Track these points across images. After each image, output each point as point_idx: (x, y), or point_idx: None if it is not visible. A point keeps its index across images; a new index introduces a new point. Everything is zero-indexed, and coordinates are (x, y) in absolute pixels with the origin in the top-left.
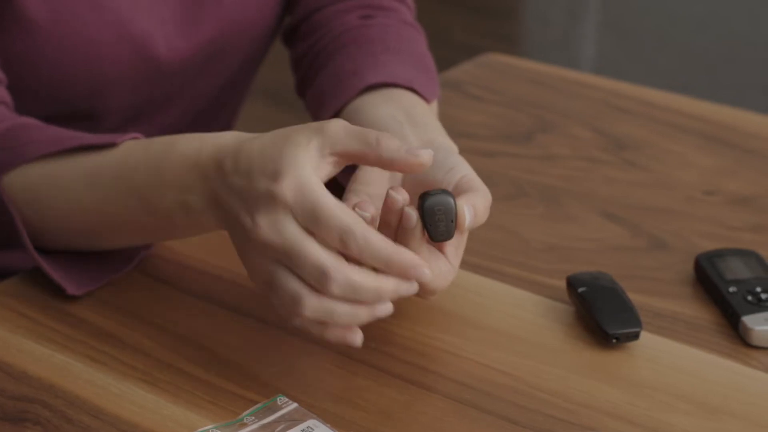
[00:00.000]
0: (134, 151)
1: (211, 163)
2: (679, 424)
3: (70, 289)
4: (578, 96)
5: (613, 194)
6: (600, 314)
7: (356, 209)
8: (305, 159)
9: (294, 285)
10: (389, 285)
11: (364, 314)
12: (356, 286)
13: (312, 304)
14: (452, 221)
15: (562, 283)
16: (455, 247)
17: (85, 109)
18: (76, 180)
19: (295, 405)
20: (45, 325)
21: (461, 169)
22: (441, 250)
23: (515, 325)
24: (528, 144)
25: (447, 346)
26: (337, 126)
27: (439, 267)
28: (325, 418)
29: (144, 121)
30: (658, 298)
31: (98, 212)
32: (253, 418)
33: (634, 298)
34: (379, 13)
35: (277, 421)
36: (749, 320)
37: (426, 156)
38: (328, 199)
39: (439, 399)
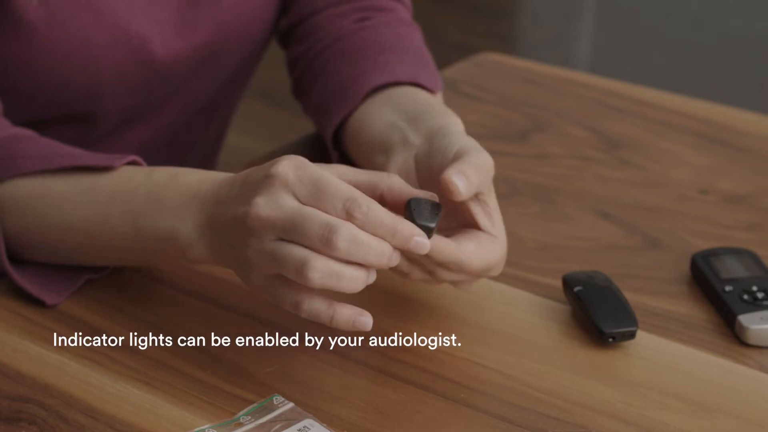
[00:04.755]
0: (136, 174)
1: (209, 193)
2: (674, 423)
3: (48, 299)
4: (572, 95)
5: (607, 193)
6: (596, 313)
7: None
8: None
9: (298, 251)
10: (388, 248)
11: (370, 277)
12: (361, 241)
13: (319, 265)
14: (437, 206)
15: (557, 282)
16: (488, 218)
17: (81, 111)
18: (67, 198)
19: (291, 404)
20: (40, 324)
21: (454, 144)
22: (475, 226)
23: (510, 324)
24: (522, 143)
25: (442, 346)
26: (340, 168)
27: (477, 244)
28: (320, 417)
29: (140, 122)
30: (653, 297)
31: (86, 232)
32: (249, 417)
33: (629, 297)
34: (375, 15)
35: (273, 421)
36: (745, 319)
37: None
38: (327, 173)
39: (435, 398)
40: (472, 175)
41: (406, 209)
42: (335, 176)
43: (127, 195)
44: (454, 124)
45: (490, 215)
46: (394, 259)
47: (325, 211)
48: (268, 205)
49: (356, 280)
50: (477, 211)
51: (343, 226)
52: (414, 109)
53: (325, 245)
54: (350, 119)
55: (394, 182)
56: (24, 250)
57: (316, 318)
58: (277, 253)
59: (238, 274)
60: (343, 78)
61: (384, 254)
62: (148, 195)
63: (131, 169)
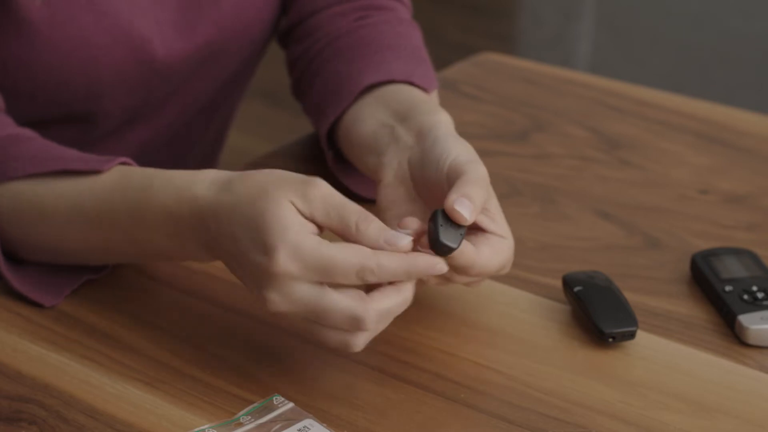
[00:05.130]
0: (113, 194)
1: (192, 220)
2: (674, 423)
3: (47, 301)
4: (572, 95)
5: (607, 193)
6: (596, 313)
7: (398, 229)
8: (291, 222)
9: (334, 336)
10: (410, 289)
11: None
12: (387, 310)
13: (359, 343)
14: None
15: (557, 282)
16: (493, 222)
17: (81, 111)
18: (57, 209)
19: (291, 404)
20: (40, 324)
21: (446, 156)
22: (481, 229)
23: (510, 324)
24: (522, 143)
25: (442, 346)
26: (319, 193)
27: (490, 247)
28: (320, 417)
29: (140, 122)
30: (653, 297)
31: (80, 241)
32: (249, 417)
33: (629, 297)
34: (375, 14)
35: (273, 421)
36: (745, 319)
37: (404, 243)
38: (329, 249)
39: (435, 398)
40: (475, 196)
41: (432, 221)
42: (321, 213)
43: (112, 213)
44: (442, 123)
45: (493, 219)
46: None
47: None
48: (283, 301)
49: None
50: (481, 219)
51: (366, 311)
52: (404, 107)
53: (356, 328)
54: (343, 118)
55: (362, 228)
56: (22, 251)
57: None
58: (313, 335)
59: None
60: (340, 77)
61: (409, 299)
62: (129, 214)
63: (110, 185)
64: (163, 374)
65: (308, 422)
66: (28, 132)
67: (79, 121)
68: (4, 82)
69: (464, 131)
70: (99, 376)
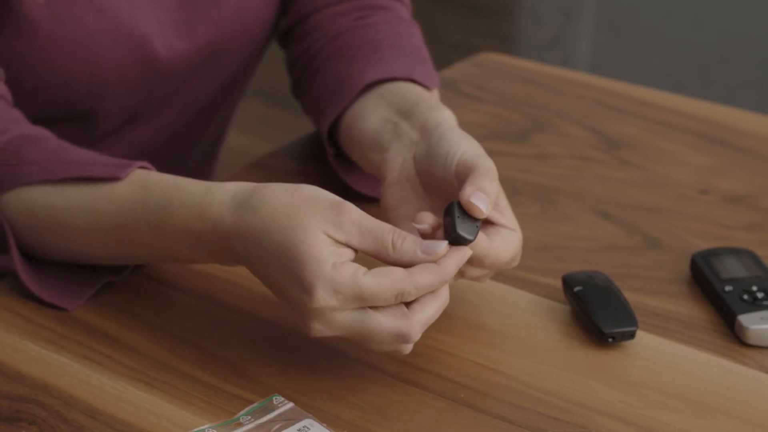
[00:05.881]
0: (134, 208)
1: (216, 239)
2: (674, 423)
3: (67, 304)
4: (572, 95)
5: (607, 193)
6: (596, 313)
7: (414, 224)
8: (327, 255)
9: (383, 347)
10: (446, 292)
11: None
12: (430, 318)
13: (407, 349)
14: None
15: (557, 282)
16: (502, 215)
17: (82, 110)
18: (75, 220)
19: (290, 404)
20: (40, 324)
21: (455, 151)
22: (492, 223)
23: (510, 324)
24: (522, 143)
25: (442, 346)
26: (350, 218)
27: (501, 239)
28: (320, 417)
29: (141, 122)
30: (653, 297)
31: (103, 250)
32: (249, 417)
33: (629, 297)
34: (375, 13)
35: (272, 421)
36: (745, 319)
37: (442, 250)
38: (366, 280)
39: (435, 398)
40: (490, 190)
41: (447, 214)
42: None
43: (132, 225)
44: (447, 120)
45: (503, 213)
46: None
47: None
48: (327, 329)
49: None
50: (492, 213)
51: (409, 327)
52: (407, 104)
53: (402, 343)
54: (344, 116)
55: (399, 243)
56: (39, 254)
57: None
58: (362, 345)
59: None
60: (340, 76)
61: (447, 300)
62: (151, 229)
63: (130, 198)
64: (163, 374)
65: (308, 422)
66: (40, 131)
67: (80, 121)
68: (6, 80)
69: (464, 131)
70: (99, 376)
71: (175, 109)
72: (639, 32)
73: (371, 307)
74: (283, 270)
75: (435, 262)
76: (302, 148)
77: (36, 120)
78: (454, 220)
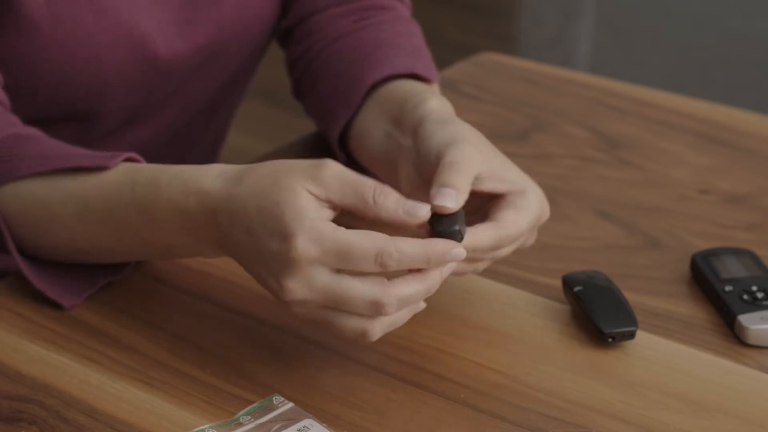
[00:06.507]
0: (122, 189)
1: (201, 214)
2: (674, 423)
3: (67, 302)
4: (572, 95)
5: (607, 193)
6: (596, 313)
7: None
8: (307, 207)
9: (352, 323)
10: (434, 277)
11: (421, 306)
12: (408, 296)
13: (377, 330)
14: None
15: (557, 282)
16: (502, 182)
17: (82, 110)
18: (66, 209)
19: (290, 404)
20: (40, 324)
21: (433, 148)
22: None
23: (510, 324)
24: (522, 143)
25: (442, 346)
26: (331, 173)
27: (513, 207)
28: (320, 417)
29: (141, 122)
30: (653, 297)
31: (91, 241)
32: (249, 417)
33: (629, 297)
34: (375, 13)
35: (272, 421)
36: (745, 319)
37: (423, 212)
38: (347, 235)
39: (434, 398)
40: (454, 180)
41: (429, 223)
42: (336, 195)
43: (120, 210)
44: (431, 113)
45: (503, 179)
46: (439, 284)
47: (359, 270)
48: (302, 289)
49: (409, 317)
50: (489, 187)
51: (387, 296)
52: (396, 108)
53: (376, 314)
54: (353, 123)
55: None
56: (35, 251)
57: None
58: (330, 324)
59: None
60: (343, 79)
61: (432, 289)
62: (138, 211)
63: (118, 180)
64: (163, 374)
65: (308, 422)
66: (33, 131)
67: (80, 121)
68: (6, 81)
69: (448, 116)
70: (99, 376)
71: (176, 109)
72: (639, 32)
73: (350, 275)
74: (264, 228)
75: (415, 223)
76: (302, 148)
77: (36, 120)
78: (433, 223)
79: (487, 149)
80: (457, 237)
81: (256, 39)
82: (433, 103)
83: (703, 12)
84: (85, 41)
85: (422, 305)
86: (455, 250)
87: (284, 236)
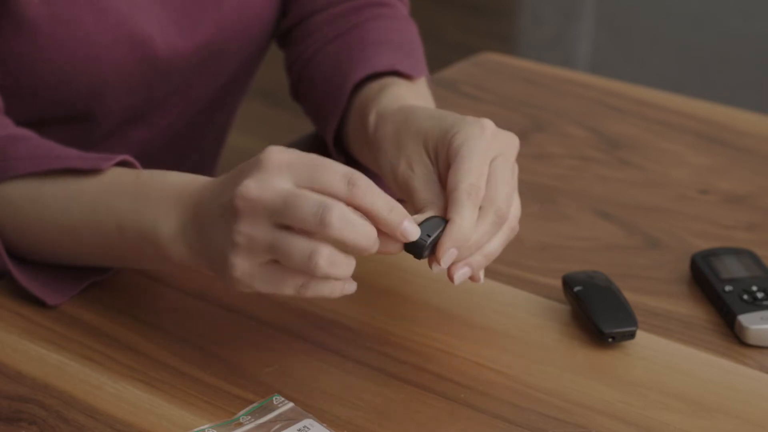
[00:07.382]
0: (125, 176)
1: (196, 192)
2: (674, 423)
3: (51, 300)
4: (572, 95)
5: (607, 193)
6: (596, 313)
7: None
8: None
9: (301, 242)
10: (375, 230)
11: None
12: (353, 218)
13: (324, 252)
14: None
15: (557, 282)
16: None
17: (83, 110)
18: (55, 199)
19: (290, 404)
20: (40, 324)
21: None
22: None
23: (510, 324)
24: (522, 143)
25: (442, 346)
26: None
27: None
28: (320, 417)
29: (141, 122)
30: (653, 297)
31: (72, 233)
32: (249, 417)
33: (629, 297)
34: (371, 11)
35: (272, 421)
36: (745, 319)
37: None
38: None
39: (435, 398)
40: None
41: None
42: None
43: (113, 196)
44: (386, 107)
45: (444, 142)
46: (376, 246)
47: (326, 188)
48: (258, 186)
49: (350, 268)
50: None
51: (336, 205)
52: (365, 111)
53: (319, 224)
54: (345, 125)
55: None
56: (23, 250)
57: (320, 296)
58: (277, 243)
59: (220, 271)
60: (331, 81)
61: (371, 237)
62: (134, 195)
63: (121, 171)
64: (163, 374)
65: (308, 422)
66: (26, 132)
67: (80, 121)
68: (6, 81)
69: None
70: (99, 376)
71: (176, 109)
72: (639, 32)
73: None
74: (243, 166)
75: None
76: (302, 148)
77: (37, 120)
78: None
79: (427, 125)
80: (421, 249)
81: (257, 39)
82: (389, 95)
83: (703, 12)
84: (84, 41)
85: (353, 285)
86: (409, 223)
87: (260, 154)
